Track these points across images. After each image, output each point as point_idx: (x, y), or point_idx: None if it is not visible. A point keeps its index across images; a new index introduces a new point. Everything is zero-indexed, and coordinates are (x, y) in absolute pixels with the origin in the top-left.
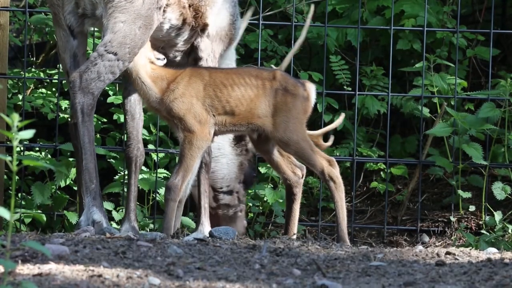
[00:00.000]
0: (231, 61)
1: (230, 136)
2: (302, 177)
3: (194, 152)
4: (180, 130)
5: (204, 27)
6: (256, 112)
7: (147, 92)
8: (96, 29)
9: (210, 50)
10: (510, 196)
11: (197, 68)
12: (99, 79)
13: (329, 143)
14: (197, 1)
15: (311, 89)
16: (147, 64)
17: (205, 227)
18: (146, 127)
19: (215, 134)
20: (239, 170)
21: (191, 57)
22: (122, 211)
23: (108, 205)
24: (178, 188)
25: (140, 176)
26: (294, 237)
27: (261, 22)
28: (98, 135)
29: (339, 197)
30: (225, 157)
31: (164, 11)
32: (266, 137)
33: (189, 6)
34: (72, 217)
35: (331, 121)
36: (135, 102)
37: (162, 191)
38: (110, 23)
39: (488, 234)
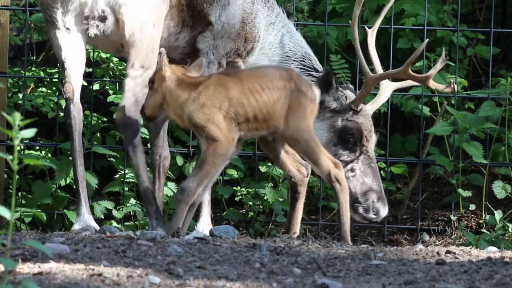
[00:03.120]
0: (262, 61)
1: None
2: (307, 176)
3: (217, 159)
4: (204, 138)
5: (206, 25)
6: (276, 113)
7: (170, 101)
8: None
9: (210, 43)
10: (510, 195)
11: (221, 75)
12: (136, 101)
13: None
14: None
15: (317, 93)
16: (171, 75)
17: (203, 222)
18: (146, 126)
19: (239, 139)
20: (330, 133)
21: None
22: (123, 209)
23: (108, 204)
24: (193, 191)
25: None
26: (295, 236)
27: None
28: (98, 134)
29: (344, 199)
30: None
31: (165, 18)
32: (278, 137)
33: (186, 6)
34: (72, 216)
35: None
36: None
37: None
38: (128, 39)
39: (488, 233)
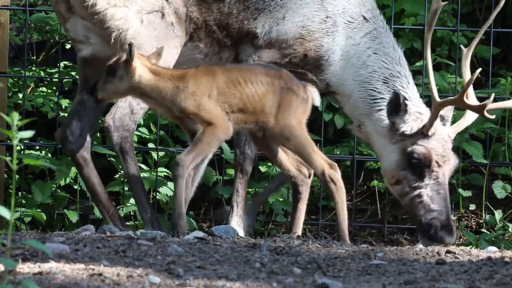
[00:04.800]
0: (347, 80)
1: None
2: (309, 177)
3: (213, 141)
4: (200, 123)
5: (250, 39)
6: (265, 109)
7: (160, 96)
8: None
9: (250, 52)
10: (510, 195)
11: (209, 65)
12: (132, 112)
13: None
14: (225, 18)
15: (313, 92)
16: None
17: (233, 221)
18: (146, 126)
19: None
20: (400, 156)
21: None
22: (123, 209)
23: None
24: (187, 165)
25: (141, 175)
26: (295, 236)
27: None
28: (98, 134)
29: (340, 198)
30: (384, 148)
31: (192, 39)
32: (269, 134)
33: (217, 26)
34: (72, 216)
35: (331, 120)
36: None
37: (162, 190)
38: None
39: (488, 232)
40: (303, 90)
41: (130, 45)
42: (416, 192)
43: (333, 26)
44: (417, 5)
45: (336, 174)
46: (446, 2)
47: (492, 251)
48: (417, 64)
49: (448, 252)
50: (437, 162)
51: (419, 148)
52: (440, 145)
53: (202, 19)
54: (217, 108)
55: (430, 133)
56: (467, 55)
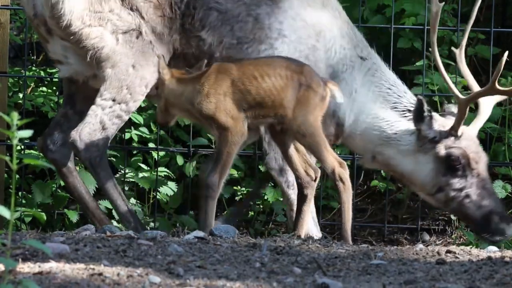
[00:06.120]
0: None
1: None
2: (315, 180)
3: (231, 148)
4: (216, 128)
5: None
6: (284, 103)
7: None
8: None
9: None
10: (510, 195)
11: (223, 63)
12: (103, 128)
13: None
14: (203, 55)
15: (334, 89)
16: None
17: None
18: (146, 125)
19: (248, 127)
20: (436, 164)
21: None
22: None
23: (108, 204)
24: (216, 185)
25: (141, 175)
26: (296, 236)
27: None
28: None
29: (346, 198)
30: (414, 163)
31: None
32: (286, 128)
33: (196, 59)
34: (73, 216)
35: None
36: None
37: (162, 189)
38: (100, 74)
39: None
40: (323, 87)
41: (158, 57)
42: (463, 193)
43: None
44: (417, 5)
45: (345, 174)
46: (444, 2)
47: (492, 251)
48: (417, 64)
49: (448, 252)
50: (474, 160)
51: (454, 149)
52: (472, 142)
53: (181, 49)
54: (233, 108)
55: (459, 134)
56: (460, 55)
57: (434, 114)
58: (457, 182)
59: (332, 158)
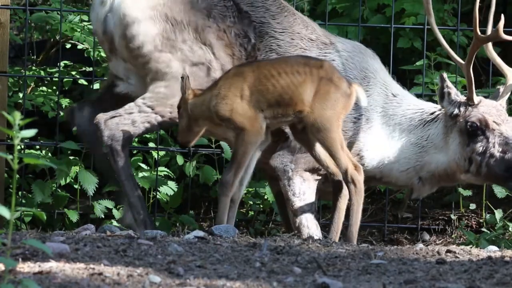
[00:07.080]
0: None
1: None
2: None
3: (247, 148)
4: (232, 130)
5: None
6: (302, 98)
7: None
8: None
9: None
10: (510, 194)
11: (239, 66)
12: (133, 125)
13: None
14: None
15: (359, 91)
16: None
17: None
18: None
19: (267, 128)
20: (461, 137)
21: None
22: (123, 209)
23: (108, 203)
24: (230, 183)
25: (141, 174)
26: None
27: None
28: None
29: (357, 201)
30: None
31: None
32: (305, 124)
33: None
34: (73, 215)
35: None
36: None
37: (162, 189)
38: (151, 86)
39: (488, 232)
40: (347, 84)
41: (182, 77)
42: (487, 154)
43: (368, 122)
44: (417, 5)
45: (358, 176)
46: None
47: (492, 251)
48: (417, 63)
49: (448, 251)
50: (495, 122)
51: (471, 117)
52: (491, 107)
53: None
54: (250, 110)
55: (476, 101)
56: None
57: (452, 89)
58: (479, 147)
59: (347, 159)
